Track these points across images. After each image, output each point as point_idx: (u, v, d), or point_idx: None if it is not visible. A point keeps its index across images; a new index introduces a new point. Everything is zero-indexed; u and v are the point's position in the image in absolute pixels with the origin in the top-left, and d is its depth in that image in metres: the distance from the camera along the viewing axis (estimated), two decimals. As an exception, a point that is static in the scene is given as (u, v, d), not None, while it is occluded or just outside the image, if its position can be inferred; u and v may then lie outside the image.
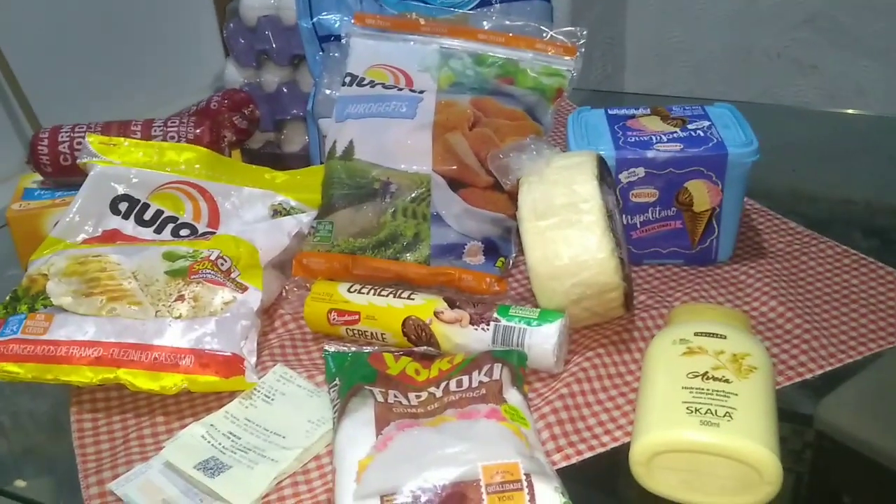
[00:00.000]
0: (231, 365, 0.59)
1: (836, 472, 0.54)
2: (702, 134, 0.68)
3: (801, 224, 0.75)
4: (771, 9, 1.73)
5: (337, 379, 0.56)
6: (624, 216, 0.69)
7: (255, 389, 0.59)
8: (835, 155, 0.88)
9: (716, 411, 0.47)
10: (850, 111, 1.01)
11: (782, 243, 0.73)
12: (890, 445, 0.54)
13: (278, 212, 0.73)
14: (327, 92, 0.78)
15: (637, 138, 0.68)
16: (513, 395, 0.53)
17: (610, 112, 0.73)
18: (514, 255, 0.70)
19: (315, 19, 0.81)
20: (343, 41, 0.77)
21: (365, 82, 0.74)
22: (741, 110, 0.71)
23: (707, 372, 0.50)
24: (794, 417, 0.55)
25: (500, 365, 0.54)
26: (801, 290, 0.66)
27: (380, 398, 0.53)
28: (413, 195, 0.69)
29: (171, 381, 0.58)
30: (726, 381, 0.49)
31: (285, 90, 0.90)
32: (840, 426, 0.56)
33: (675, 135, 0.68)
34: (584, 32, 0.74)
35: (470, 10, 0.79)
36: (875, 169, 0.86)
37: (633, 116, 0.72)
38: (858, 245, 0.72)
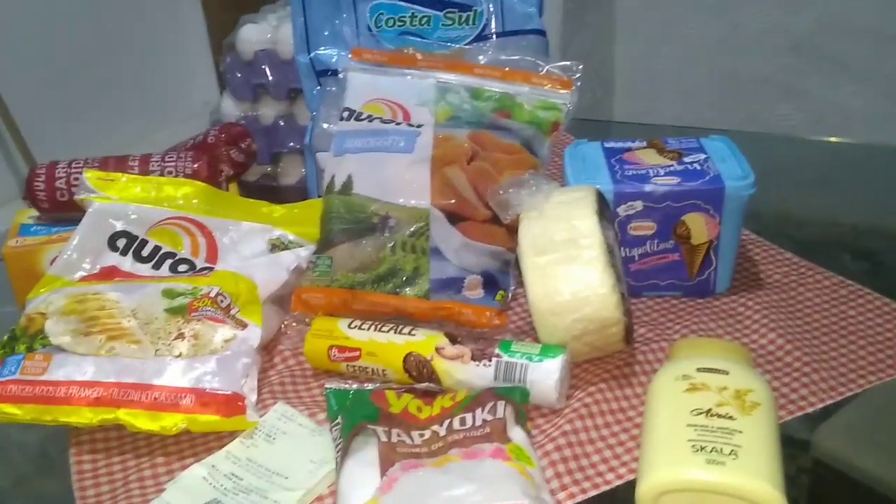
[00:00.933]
0: (232, 404, 0.58)
1: (832, 500, 0.54)
2: (698, 167, 0.68)
3: (790, 248, 0.76)
4: (757, 35, 1.75)
5: (339, 417, 0.56)
6: (622, 249, 0.69)
7: (256, 428, 0.58)
8: (822, 180, 0.89)
9: (721, 449, 0.47)
10: (834, 139, 1.02)
11: (779, 274, 0.73)
12: (888, 472, 0.54)
13: (276, 246, 0.73)
14: (325, 126, 0.78)
15: (634, 172, 0.68)
16: (517, 434, 0.53)
17: (606, 145, 0.74)
18: (513, 288, 0.71)
19: (312, 54, 0.81)
20: (340, 76, 0.78)
21: (363, 117, 0.75)
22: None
23: (711, 409, 0.50)
24: (790, 443, 0.55)
25: (503, 402, 0.54)
26: (799, 321, 0.67)
27: (383, 437, 0.53)
28: (412, 229, 0.69)
29: (171, 422, 0.57)
30: (730, 417, 0.50)
31: (282, 123, 0.91)
32: (836, 453, 0.56)
33: (671, 168, 0.68)
34: (580, 66, 0.75)
35: (466, 44, 0.80)
36: (861, 194, 0.87)
37: (629, 149, 0.73)
38: (847, 267, 0.73)
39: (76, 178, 0.76)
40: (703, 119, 1.86)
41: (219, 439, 0.58)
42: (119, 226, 0.71)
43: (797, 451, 0.54)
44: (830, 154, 1.00)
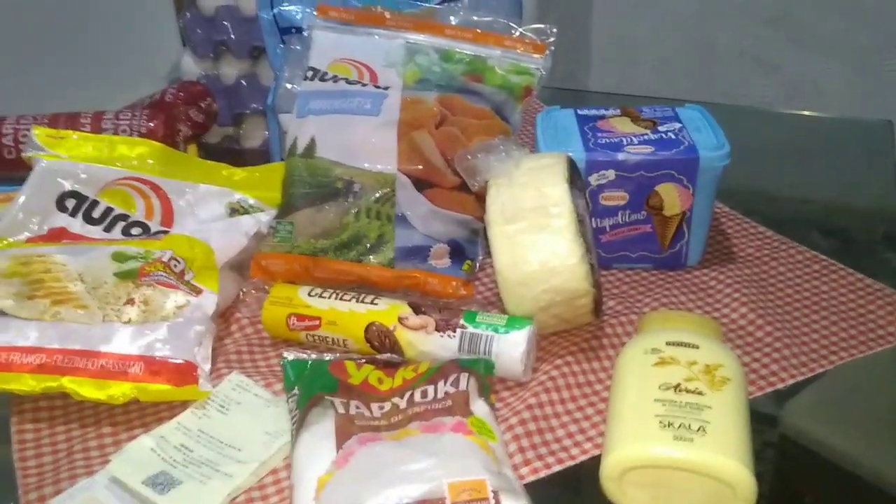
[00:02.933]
0: (184, 373, 0.56)
1: (800, 476, 0.53)
2: (673, 136, 0.66)
3: (761, 224, 0.75)
4: (734, 7, 1.73)
5: (296, 388, 0.54)
6: (593, 219, 0.67)
7: (209, 399, 0.56)
8: (794, 155, 0.89)
9: (689, 426, 0.46)
10: (807, 112, 1.01)
11: (751, 248, 0.72)
12: (854, 449, 0.53)
13: (236, 210, 0.70)
14: (288, 86, 0.75)
15: (607, 140, 0.66)
16: (479, 407, 0.51)
17: (579, 112, 0.72)
18: (480, 257, 0.68)
19: (276, 10, 0.77)
20: (305, 33, 0.74)
21: (328, 77, 0.72)
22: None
23: (680, 384, 0.49)
24: (758, 418, 0.54)
25: (466, 374, 0.52)
26: (770, 296, 0.66)
27: (341, 409, 0.50)
28: (377, 195, 0.66)
29: (119, 390, 0.55)
30: (699, 393, 0.48)
31: (244, 83, 0.87)
32: (805, 430, 0.56)
33: (645, 137, 0.66)
34: (554, 30, 0.72)
35: (437, 4, 0.77)
36: (833, 169, 0.86)
37: (602, 117, 0.71)
38: (818, 244, 0.72)
39: (24, 135, 0.73)
40: (679, 89, 1.85)
41: (170, 409, 0.56)
42: (68, 185, 0.67)
43: (764, 426, 0.53)
44: (804, 128, 0.99)
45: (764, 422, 0.53)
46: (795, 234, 0.73)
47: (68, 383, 0.55)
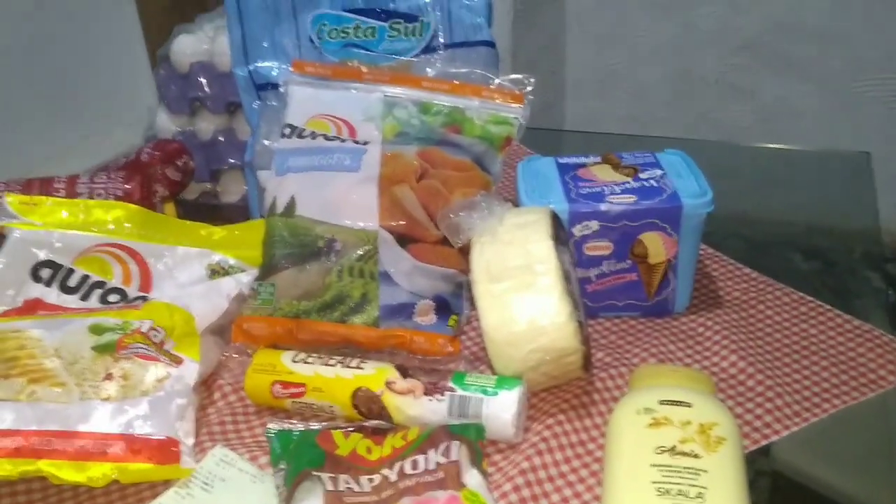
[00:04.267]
0: (165, 450, 0.54)
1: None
2: (655, 184, 0.66)
3: (742, 248, 0.75)
4: (709, 35, 1.75)
5: (282, 462, 0.52)
6: (578, 269, 0.66)
7: (192, 476, 0.54)
8: (774, 185, 0.90)
9: (687, 492, 0.45)
10: (785, 146, 1.02)
11: (738, 291, 0.71)
12: (847, 486, 0.53)
13: (216, 271, 0.69)
14: (266, 142, 0.74)
15: (589, 190, 0.66)
16: (472, 477, 0.50)
17: (560, 161, 0.71)
18: (466, 312, 0.67)
19: (251, 66, 0.77)
20: (282, 89, 0.74)
21: (306, 133, 0.71)
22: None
23: (675, 446, 0.48)
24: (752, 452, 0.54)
25: (457, 443, 0.51)
26: (760, 341, 0.65)
27: (329, 486, 0.49)
28: (359, 253, 0.65)
29: (99, 472, 0.53)
30: (695, 455, 0.47)
31: (221, 138, 0.86)
32: (797, 466, 0.55)
33: (627, 185, 0.66)
34: (532, 79, 0.72)
35: (413, 56, 0.77)
36: (812, 197, 0.88)
37: (583, 165, 0.70)
38: (799, 267, 0.73)
39: (-3, 202, 0.71)
40: (654, 119, 1.86)
41: (151, 488, 0.54)
42: (42, 255, 0.66)
43: (756, 455, 0.52)
44: (779, 158, 1.00)
45: (756, 451, 0.53)
46: (777, 257, 0.74)
47: (46, 466, 0.53)
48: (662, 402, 0.51)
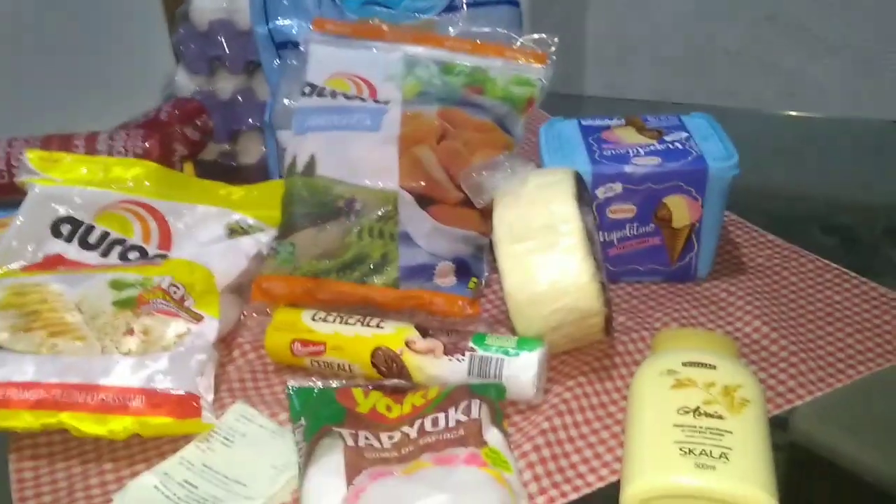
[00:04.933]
0: (186, 405, 0.54)
1: (812, 484, 0.52)
2: (680, 147, 0.65)
3: (761, 222, 0.74)
4: (731, 5, 1.72)
5: (302, 419, 0.52)
6: (601, 233, 0.66)
7: (212, 431, 0.54)
8: (793, 155, 0.89)
9: (710, 452, 0.45)
10: (809, 114, 1.00)
11: (762, 258, 0.70)
12: (868, 457, 0.52)
13: (235, 231, 0.69)
14: (286, 102, 0.73)
15: (613, 152, 0.65)
16: (493, 435, 0.50)
17: (583, 123, 0.70)
18: (486, 274, 0.67)
19: (271, 24, 0.76)
20: (301, 48, 0.73)
21: (326, 93, 0.70)
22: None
23: (698, 407, 0.47)
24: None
25: (478, 402, 0.51)
26: (783, 307, 0.64)
27: (349, 441, 0.49)
28: (379, 213, 0.65)
29: (119, 425, 0.53)
30: (719, 416, 0.47)
31: (240, 98, 0.85)
32: (816, 437, 0.55)
33: (652, 148, 0.65)
34: (555, 39, 0.71)
35: (435, 15, 0.75)
36: (834, 168, 0.86)
37: (607, 128, 0.69)
38: (818, 242, 0.72)
39: (17, 159, 0.71)
40: (676, 90, 1.83)
41: (172, 443, 0.54)
42: (63, 211, 0.66)
43: (773, 428, 0.51)
44: (802, 128, 0.98)
45: (774, 424, 0.52)
46: (797, 232, 0.72)
47: (68, 419, 0.53)
48: (686, 364, 0.51)
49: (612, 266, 0.67)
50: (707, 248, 0.67)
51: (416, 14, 0.75)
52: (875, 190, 0.81)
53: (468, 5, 0.75)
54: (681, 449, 0.45)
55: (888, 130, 0.90)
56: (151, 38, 1.04)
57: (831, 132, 0.96)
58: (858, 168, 0.86)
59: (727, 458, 0.44)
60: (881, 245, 0.74)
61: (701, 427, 0.46)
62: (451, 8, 0.75)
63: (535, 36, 0.72)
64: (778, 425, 0.54)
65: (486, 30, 0.72)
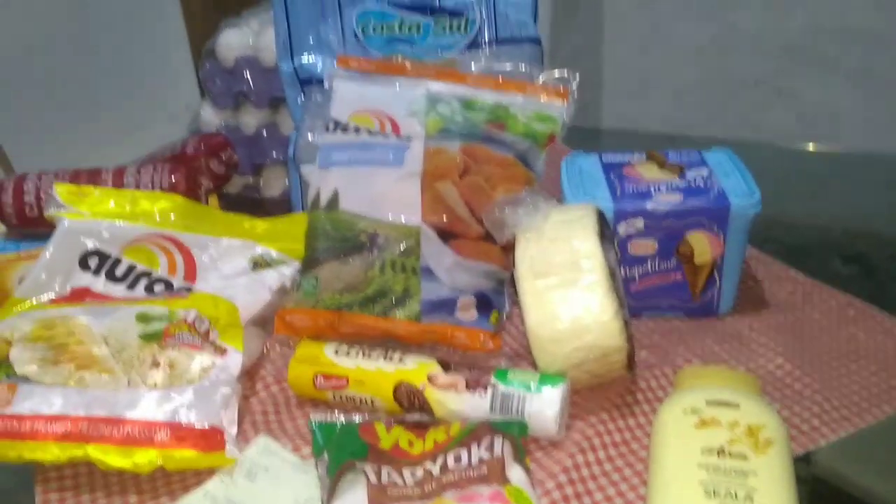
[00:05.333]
0: (210, 438, 0.55)
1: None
2: (702, 183, 0.65)
3: (780, 252, 0.74)
4: (749, 36, 1.73)
5: (325, 453, 0.52)
6: (622, 268, 0.66)
7: (236, 465, 0.55)
8: (811, 186, 0.89)
9: (736, 493, 0.44)
10: (829, 148, 1.01)
11: (783, 293, 0.70)
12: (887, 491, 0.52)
13: (259, 264, 0.69)
14: (309, 137, 0.75)
15: (635, 188, 0.65)
16: (516, 473, 0.50)
17: (604, 159, 0.71)
18: (507, 308, 0.67)
19: (296, 62, 0.77)
20: (326, 84, 0.74)
21: (349, 129, 0.71)
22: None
23: (723, 447, 0.47)
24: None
25: (500, 438, 0.51)
26: (806, 344, 0.64)
27: (373, 478, 0.49)
28: (402, 248, 0.65)
29: (144, 458, 0.53)
30: (744, 457, 0.47)
31: (265, 133, 0.87)
32: (840, 474, 0.54)
33: (673, 184, 0.65)
34: (577, 75, 0.72)
35: (458, 52, 0.77)
36: (853, 200, 0.86)
37: (628, 163, 0.70)
38: (839, 271, 0.72)
39: (46, 192, 0.73)
40: (694, 121, 1.83)
41: (196, 476, 0.55)
42: (91, 244, 0.67)
43: (802, 460, 0.51)
44: (820, 160, 0.99)
45: (797, 459, 0.52)
46: (817, 262, 0.73)
47: (94, 451, 0.53)
48: (709, 403, 0.50)
49: (633, 301, 0.67)
50: (729, 283, 0.67)
51: (439, 51, 0.76)
52: (892, 220, 0.81)
53: (490, 43, 0.76)
54: (705, 490, 0.45)
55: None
56: (178, 73, 1.06)
57: (850, 165, 0.96)
58: (878, 201, 0.86)
59: (752, 500, 0.44)
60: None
61: (725, 468, 0.46)
62: (474, 46, 0.76)
63: (556, 73, 0.72)
64: (806, 457, 0.54)
65: (508, 67, 0.73)
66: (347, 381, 0.59)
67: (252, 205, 0.87)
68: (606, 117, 1.94)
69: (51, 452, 0.54)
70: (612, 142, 1.14)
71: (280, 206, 0.85)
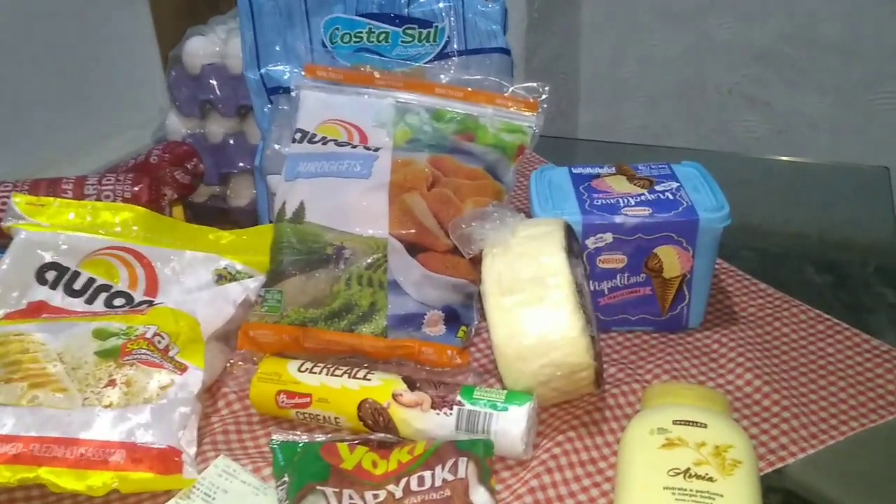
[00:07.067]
0: (167, 459, 0.53)
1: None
2: (671, 197, 0.65)
3: (753, 261, 0.74)
4: (723, 45, 1.74)
5: (286, 475, 0.51)
6: (591, 282, 0.65)
7: (194, 487, 0.53)
8: (788, 198, 0.89)
9: (701, 517, 0.44)
10: (803, 159, 1.01)
11: (753, 307, 0.70)
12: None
13: (223, 276, 0.68)
14: (276, 147, 0.74)
15: (604, 201, 0.65)
16: (480, 496, 0.49)
17: (574, 171, 0.70)
18: (475, 322, 0.66)
19: (263, 70, 0.76)
20: (293, 94, 0.73)
21: (316, 139, 0.70)
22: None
23: (689, 469, 0.47)
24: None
25: (465, 459, 0.50)
26: (776, 360, 0.64)
27: (333, 501, 0.48)
28: (369, 261, 0.64)
29: (99, 480, 0.52)
30: (710, 479, 0.46)
31: (231, 142, 0.85)
32: (811, 486, 0.54)
33: (642, 197, 0.65)
34: (547, 87, 0.71)
35: (426, 63, 0.76)
36: (827, 210, 0.87)
37: (598, 176, 0.69)
38: (812, 280, 0.73)
39: (4, 203, 0.71)
40: (669, 129, 1.84)
41: (153, 498, 0.53)
42: (48, 257, 0.65)
43: (772, 475, 0.51)
44: (793, 168, 0.99)
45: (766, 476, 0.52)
46: (790, 270, 0.73)
47: (45, 474, 0.52)
48: (676, 422, 0.50)
49: (602, 315, 0.67)
50: (698, 298, 0.66)
51: (408, 61, 0.75)
52: (867, 230, 0.82)
53: (459, 53, 0.75)
54: (671, 513, 0.44)
55: (879, 175, 0.91)
56: (147, 80, 1.04)
57: (823, 175, 0.97)
58: (851, 210, 0.86)
59: (718, 523, 0.43)
60: (874, 283, 0.73)
61: (692, 490, 0.45)
62: (443, 55, 0.76)
63: (527, 84, 0.72)
64: (776, 472, 0.53)
65: (478, 77, 0.72)
66: (311, 398, 0.58)
67: (219, 215, 0.86)
68: (582, 126, 1.94)
69: (1, 475, 0.52)
70: (587, 152, 1.13)
71: (247, 216, 0.83)
